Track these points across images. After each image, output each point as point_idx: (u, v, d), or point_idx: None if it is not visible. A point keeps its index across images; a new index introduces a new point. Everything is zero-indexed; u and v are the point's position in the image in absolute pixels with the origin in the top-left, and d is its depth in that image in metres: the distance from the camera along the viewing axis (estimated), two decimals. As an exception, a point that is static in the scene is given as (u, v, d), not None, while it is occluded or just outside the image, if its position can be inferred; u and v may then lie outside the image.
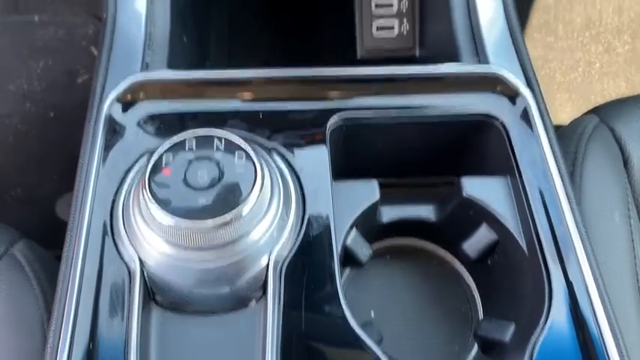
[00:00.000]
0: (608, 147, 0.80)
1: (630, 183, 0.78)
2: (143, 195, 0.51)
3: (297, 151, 0.62)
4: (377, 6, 0.91)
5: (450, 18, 0.76)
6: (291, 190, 0.58)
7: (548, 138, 0.64)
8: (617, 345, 0.53)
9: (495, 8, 0.74)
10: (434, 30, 0.85)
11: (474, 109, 0.66)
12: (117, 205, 0.58)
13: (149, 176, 0.51)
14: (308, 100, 0.66)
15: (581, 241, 0.58)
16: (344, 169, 0.65)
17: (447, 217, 0.65)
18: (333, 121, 0.64)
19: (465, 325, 0.66)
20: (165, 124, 0.63)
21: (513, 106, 0.66)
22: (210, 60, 0.98)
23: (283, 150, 0.62)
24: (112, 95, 0.65)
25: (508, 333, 0.58)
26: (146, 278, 0.54)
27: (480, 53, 0.72)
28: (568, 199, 0.60)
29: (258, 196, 0.51)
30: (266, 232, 0.53)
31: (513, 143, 0.63)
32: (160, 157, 0.53)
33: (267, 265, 0.54)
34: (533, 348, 0.53)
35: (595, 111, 0.85)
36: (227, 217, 0.50)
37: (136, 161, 0.60)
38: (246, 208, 0.50)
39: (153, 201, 0.50)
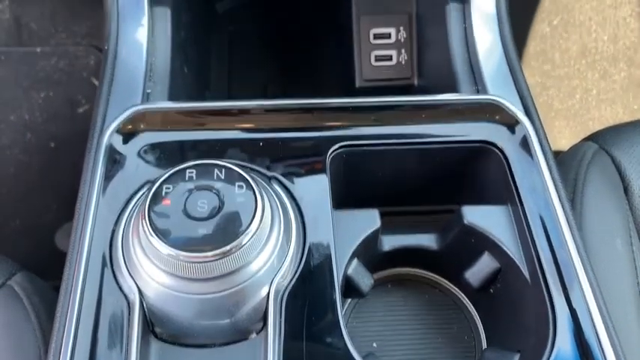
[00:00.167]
0: (608, 173, 0.80)
1: (631, 209, 0.78)
2: (143, 225, 0.51)
3: (298, 180, 0.62)
4: (375, 36, 0.92)
5: (448, 48, 0.77)
6: (291, 219, 0.58)
7: (548, 165, 0.64)
8: (622, 373, 0.52)
9: (493, 38, 0.75)
10: (432, 60, 0.86)
11: (474, 136, 0.66)
12: (116, 236, 0.57)
13: (149, 206, 0.51)
14: (308, 129, 0.66)
15: (584, 268, 0.58)
16: (344, 197, 0.64)
17: (448, 246, 0.65)
18: (333, 149, 0.64)
19: (469, 355, 0.65)
20: (166, 154, 0.63)
21: (512, 134, 0.66)
22: (211, 89, 0.99)
23: (283, 179, 0.62)
24: (113, 126, 0.65)
25: (513, 363, 0.57)
26: (145, 310, 0.53)
27: (478, 82, 0.73)
28: (569, 226, 0.60)
29: (259, 226, 0.51)
30: (266, 262, 0.53)
31: (513, 171, 0.64)
32: (160, 187, 0.53)
33: (268, 295, 0.53)
34: (539, 378, 0.52)
35: (593, 137, 0.86)
36: (227, 247, 0.49)
37: (136, 191, 0.60)
38: (246, 239, 0.50)
39: (152, 232, 0.50)
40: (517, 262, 0.60)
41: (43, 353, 0.67)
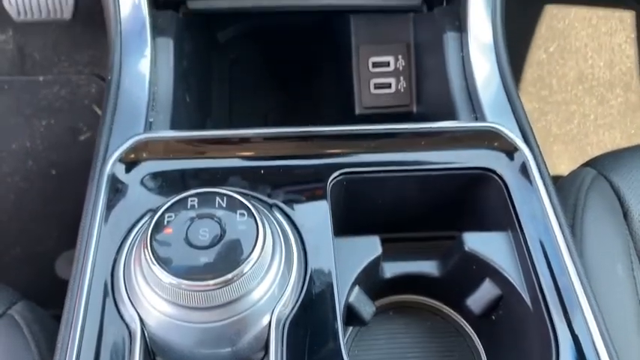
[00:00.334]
0: (607, 199, 0.81)
1: (631, 235, 0.79)
2: (145, 254, 0.51)
3: (299, 207, 0.62)
4: (374, 65, 0.93)
5: (446, 76, 0.78)
6: (292, 246, 0.58)
7: (547, 191, 0.64)
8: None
9: (490, 67, 0.76)
10: (430, 87, 0.87)
11: (473, 163, 0.67)
12: (118, 264, 0.57)
13: (151, 235, 0.52)
14: (308, 157, 0.67)
15: (585, 294, 0.58)
16: (345, 224, 0.65)
17: (449, 272, 0.65)
18: (333, 177, 0.65)
19: (471, 382, 0.64)
20: (168, 183, 0.64)
21: (511, 161, 0.67)
22: (212, 117, 1.00)
23: (284, 206, 0.62)
24: (116, 155, 0.66)
25: (516, 391, 0.57)
26: (147, 339, 0.53)
27: (476, 110, 0.74)
28: (570, 252, 0.60)
29: (260, 254, 0.51)
30: (268, 290, 0.52)
31: (513, 197, 0.64)
32: (162, 216, 0.53)
33: (269, 323, 0.53)
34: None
35: (592, 163, 0.86)
36: (229, 276, 0.49)
37: (138, 220, 0.61)
38: (247, 267, 0.50)
39: (154, 261, 0.50)
40: (518, 288, 0.60)
41: (43, 383, 0.66)
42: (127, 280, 0.55)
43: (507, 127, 0.70)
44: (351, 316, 0.62)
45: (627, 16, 1.65)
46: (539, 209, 0.63)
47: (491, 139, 0.69)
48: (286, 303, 0.54)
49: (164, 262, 0.50)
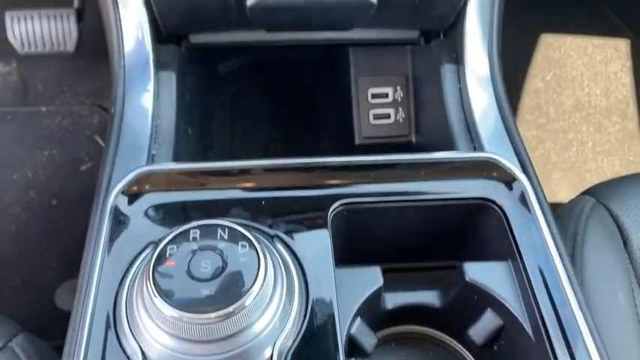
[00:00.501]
0: (607, 227, 0.81)
1: (632, 263, 0.79)
2: (146, 286, 0.51)
3: (300, 238, 0.62)
4: (373, 96, 0.95)
5: (444, 107, 0.79)
6: (294, 278, 0.58)
7: (547, 221, 0.65)
8: None
9: (487, 98, 0.77)
10: (429, 118, 0.88)
11: (473, 193, 0.67)
12: (120, 297, 0.58)
13: (153, 267, 0.52)
14: (309, 187, 0.67)
15: (587, 324, 0.58)
16: (346, 254, 0.65)
17: (450, 303, 0.65)
18: (334, 207, 0.65)
19: (474, 414, 0.64)
20: (170, 215, 0.64)
21: (510, 190, 0.67)
22: (214, 149, 1.01)
23: (286, 237, 0.62)
24: (118, 187, 0.66)
25: (519, 423, 0.56)
26: (148, 372, 0.53)
27: (475, 140, 0.75)
28: (570, 281, 0.60)
29: (262, 286, 0.51)
30: (269, 322, 0.52)
31: (512, 227, 0.64)
32: (165, 248, 0.53)
33: (271, 356, 0.53)
34: None
35: (590, 192, 0.87)
36: (230, 309, 0.49)
37: (141, 252, 0.61)
38: (249, 299, 0.50)
39: (156, 293, 0.50)
40: (520, 319, 0.59)
41: (42, 417, 0.66)
42: (129, 312, 0.55)
43: (506, 157, 0.70)
44: (353, 348, 0.61)
45: (622, 44, 1.68)
46: (538, 239, 0.63)
47: (489, 169, 0.69)
48: (288, 335, 0.54)
49: (166, 295, 0.50)
